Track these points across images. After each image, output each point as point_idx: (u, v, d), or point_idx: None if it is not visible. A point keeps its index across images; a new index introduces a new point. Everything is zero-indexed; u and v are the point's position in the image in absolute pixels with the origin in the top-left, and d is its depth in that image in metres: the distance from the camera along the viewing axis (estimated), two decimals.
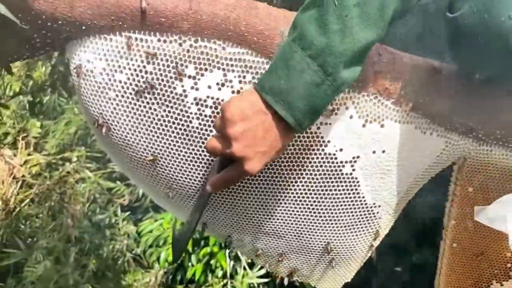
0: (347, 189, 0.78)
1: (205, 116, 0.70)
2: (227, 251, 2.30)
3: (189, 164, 0.74)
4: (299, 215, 0.80)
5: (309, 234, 0.82)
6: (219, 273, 2.31)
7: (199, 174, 0.75)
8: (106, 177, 2.35)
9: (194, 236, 2.41)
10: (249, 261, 2.31)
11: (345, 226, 0.82)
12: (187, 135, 0.72)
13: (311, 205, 0.79)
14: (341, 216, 0.80)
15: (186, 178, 0.76)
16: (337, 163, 0.75)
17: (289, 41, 0.62)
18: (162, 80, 0.69)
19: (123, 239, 2.32)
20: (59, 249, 1.89)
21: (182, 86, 0.70)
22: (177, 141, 0.73)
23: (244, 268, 2.28)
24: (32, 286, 1.84)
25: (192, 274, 2.36)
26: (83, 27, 0.68)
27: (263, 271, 2.23)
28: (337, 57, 0.59)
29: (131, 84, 0.70)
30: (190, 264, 2.42)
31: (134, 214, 2.58)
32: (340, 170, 0.76)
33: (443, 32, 0.72)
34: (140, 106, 0.71)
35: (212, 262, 2.36)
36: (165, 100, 0.70)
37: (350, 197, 0.78)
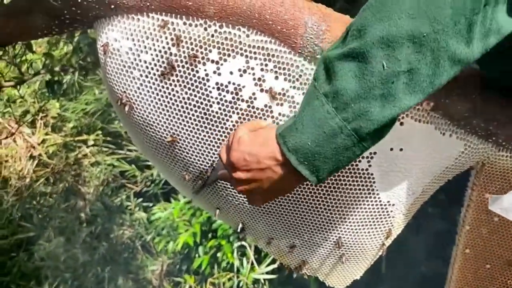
0: (362, 185, 0.77)
1: (226, 101, 0.71)
2: (235, 244, 2.31)
3: (206, 148, 0.75)
4: (312, 207, 0.80)
5: (321, 227, 0.82)
6: (225, 265, 2.33)
7: (216, 158, 0.75)
8: (120, 162, 2.38)
9: (203, 228, 2.43)
10: (256, 256, 2.32)
11: (357, 222, 0.81)
12: (206, 118, 0.73)
13: (325, 198, 0.79)
14: (354, 212, 0.80)
15: (203, 161, 0.76)
16: None
17: (321, 95, 0.55)
18: (186, 63, 0.70)
19: (134, 225, 2.35)
20: (71, 229, 1.92)
21: (205, 70, 0.70)
22: (196, 124, 0.73)
23: (252, 264, 2.29)
24: (42, 262, 1.88)
25: (198, 265, 2.37)
26: (112, 6, 0.69)
27: (269, 268, 2.24)
28: (374, 124, 0.54)
29: (155, 65, 0.71)
30: (197, 255, 2.44)
31: (145, 202, 2.61)
32: (356, 165, 0.75)
33: None
34: (163, 87, 0.72)
35: (219, 254, 2.37)
36: (187, 83, 0.71)
37: (365, 193, 0.78)
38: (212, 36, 0.69)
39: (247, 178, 0.61)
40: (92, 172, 2.18)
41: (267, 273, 2.25)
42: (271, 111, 0.71)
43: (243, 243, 2.27)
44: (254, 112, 0.71)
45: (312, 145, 0.56)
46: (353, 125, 0.54)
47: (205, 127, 0.73)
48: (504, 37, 0.55)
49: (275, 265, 2.24)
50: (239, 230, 0.86)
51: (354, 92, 0.53)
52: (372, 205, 0.80)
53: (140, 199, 2.54)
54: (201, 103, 0.72)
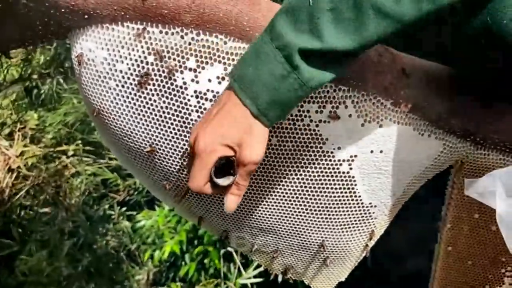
0: (344, 188, 0.78)
1: (205, 109, 0.70)
2: (222, 251, 2.30)
3: (186, 156, 0.74)
4: (294, 212, 0.80)
5: (305, 232, 0.82)
6: (213, 272, 2.31)
7: None
8: (102, 170, 2.35)
9: (188, 235, 2.41)
10: (243, 261, 2.31)
11: (341, 225, 0.82)
12: (185, 127, 0.72)
13: (307, 202, 0.79)
14: (337, 215, 0.80)
15: (183, 170, 0.76)
16: (334, 161, 0.75)
17: (264, 31, 0.61)
18: (163, 71, 0.69)
19: (118, 235, 2.32)
20: (53, 242, 1.88)
21: (183, 78, 0.70)
22: (175, 133, 0.73)
23: (239, 269, 2.28)
24: (24, 278, 1.84)
25: (185, 272, 2.35)
26: (86, 16, 0.68)
27: (256, 272, 2.23)
28: (303, 54, 0.58)
29: (131, 75, 0.70)
30: (183, 262, 2.42)
31: (129, 210, 2.58)
32: (338, 169, 0.76)
33: (445, 35, 0.72)
34: (140, 96, 0.71)
35: (206, 261, 2.35)
36: (165, 92, 0.70)
37: (347, 196, 0.79)
38: (189, 44, 0.69)
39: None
40: (73, 182, 2.15)
41: (254, 276, 2.24)
42: None
43: (229, 248, 2.27)
44: None
45: (252, 70, 0.60)
46: (284, 53, 0.58)
47: (185, 136, 0.73)
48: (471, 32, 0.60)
49: (262, 268, 2.23)
50: (222, 238, 0.85)
51: (285, 23, 0.58)
52: (355, 207, 0.80)
53: (124, 208, 2.51)
54: (180, 111, 0.71)
